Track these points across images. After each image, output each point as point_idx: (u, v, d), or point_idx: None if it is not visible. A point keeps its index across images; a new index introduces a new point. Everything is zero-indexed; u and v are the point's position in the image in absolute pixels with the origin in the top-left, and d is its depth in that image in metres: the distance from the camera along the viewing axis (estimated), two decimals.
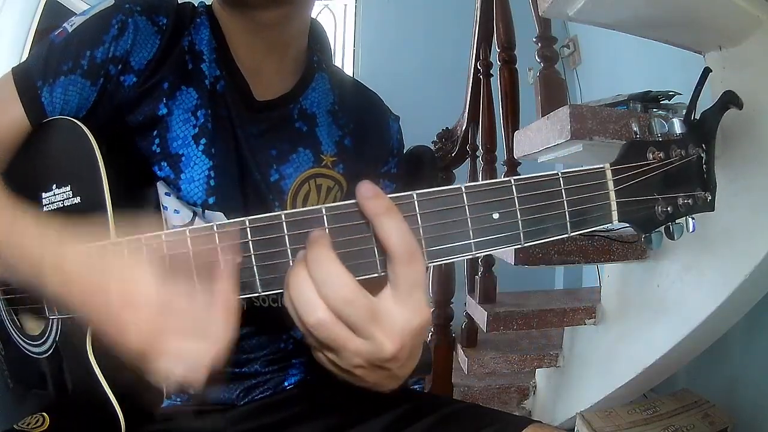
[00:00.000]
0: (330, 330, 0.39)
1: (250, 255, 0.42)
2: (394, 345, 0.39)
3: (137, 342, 0.40)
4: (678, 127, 0.47)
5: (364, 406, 0.66)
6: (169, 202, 0.63)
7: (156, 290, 0.40)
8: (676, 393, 1.50)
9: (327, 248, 0.39)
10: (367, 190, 0.39)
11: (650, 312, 1.35)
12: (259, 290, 0.43)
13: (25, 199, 0.58)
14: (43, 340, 0.60)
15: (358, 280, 0.40)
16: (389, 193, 0.74)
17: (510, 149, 1.55)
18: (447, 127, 2.12)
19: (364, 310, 0.38)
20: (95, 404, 0.54)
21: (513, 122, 1.60)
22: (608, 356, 1.50)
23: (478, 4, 1.89)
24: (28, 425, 0.59)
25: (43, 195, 0.57)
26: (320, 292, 0.38)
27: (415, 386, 0.90)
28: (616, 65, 2.49)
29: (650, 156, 0.45)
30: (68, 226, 0.47)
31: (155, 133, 0.62)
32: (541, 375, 1.84)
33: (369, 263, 0.41)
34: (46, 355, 0.60)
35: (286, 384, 0.71)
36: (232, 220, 0.43)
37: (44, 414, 0.60)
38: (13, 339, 0.64)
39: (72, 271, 0.43)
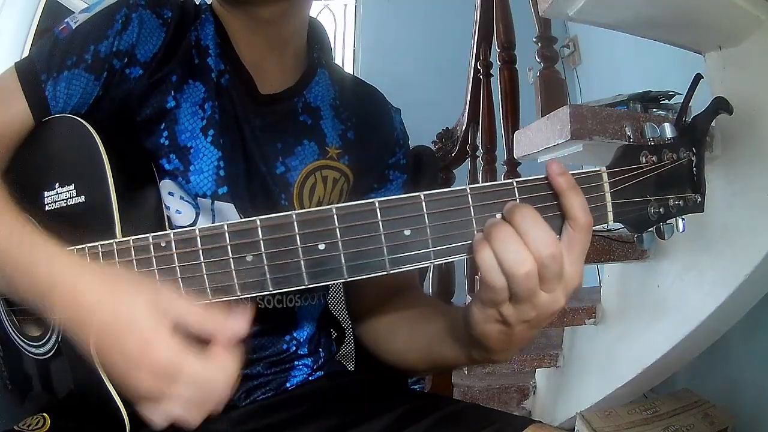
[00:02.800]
0: (531, 281, 0.43)
1: (261, 254, 0.43)
2: (564, 299, 0.45)
3: (143, 389, 0.43)
4: (669, 131, 0.49)
5: (365, 407, 0.67)
6: (171, 202, 0.63)
7: (171, 357, 0.42)
8: (676, 393, 1.50)
9: (534, 210, 0.43)
10: (557, 167, 0.44)
11: (650, 312, 1.34)
12: (270, 289, 0.43)
13: (26, 199, 0.59)
14: (44, 341, 0.60)
15: (366, 279, 0.42)
16: (401, 184, 0.76)
17: (510, 149, 1.55)
18: (447, 127, 2.12)
19: (560, 266, 0.43)
20: (98, 405, 0.54)
21: (513, 122, 1.60)
22: (608, 356, 1.49)
23: (478, 4, 1.90)
24: (28, 426, 0.59)
25: (46, 194, 0.57)
26: (530, 246, 0.42)
27: (415, 386, 0.90)
28: (616, 65, 2.49)
29: (643, 159, 0.47)
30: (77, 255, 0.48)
31: (163, 125, 0.62)
32: (541, 375, 1.84)
33: (378, 262, 0.42)
34: (48, 356, 0.60)
35: (288, 385, 0.71)
36: (241, 220, 0.44)
37: (45, 415, 0.60)
38: (12, 340, 0.64)
39: (88, 310, 0.44)
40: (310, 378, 0.73)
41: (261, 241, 0.43)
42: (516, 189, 0.44)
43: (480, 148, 1.81)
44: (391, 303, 0.69)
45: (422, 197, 0.43)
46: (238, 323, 0.43)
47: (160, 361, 0.41)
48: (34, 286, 0.46)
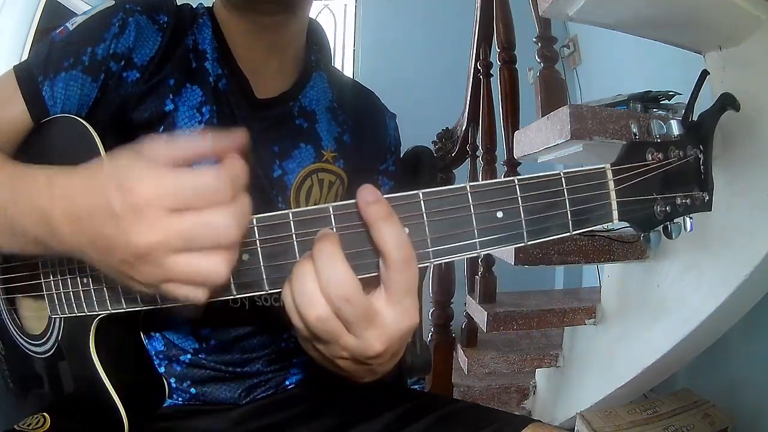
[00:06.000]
0: (327, 325, 0.40)
1: (258, 254, 0.42)
2: (382, 345, 0.41)
3: (146, 241, 0.36)
4: (676, 128, 0.47)
5: (365, 406, 0.67)
6: None
7: (158, 184, 0.36)
8: (676, 393, 1.50)
9: (335, 245, 0.39)
10: (368, 194, 0.40)
11: (650, 312, 1.35)
12: (266, 288, 0.43)
13: None
14: (44, 339, 0.60)
15: (361, 277, 0.41)
16: (388, 191, 0.76)
17: (510, 149, 1.55)
18: (447, 127, 2.12)
19: (361, 310, 0.39)
20: (98, 404, 0.55)
21: (513, 122, 1.60)
22: (608, 356, 1.50)
23: (478, 4, 1.89)
24: (29, 426, 0.59)
25: None
26: (323, 288, 0.39)
27: (415, 386, 0.90)
28: (616, 65, 2.49)
29: (649, 157, 0.46)
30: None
31: (162, 128, 0.63)
32: (541, 375, 1.85)
33: (375, 262, 0.42)
34: (48, 354, 0.60)
35: (287, 383, 0.72)
36: None
37: (45, 414, 0.60)
38: (13, 339, 0.64)
39: (79, 200, 0.39)
40: (309, 376, 0.73)
41: (257, 240, 0.42)
42: (517, 187, 0.43)
43: (480, 148, 1.81)
44: None
45: (420, 196, 0.42)
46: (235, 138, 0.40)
47: (149, 195, 0.36)
48: (36, 205, 0.42)
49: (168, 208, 0.36)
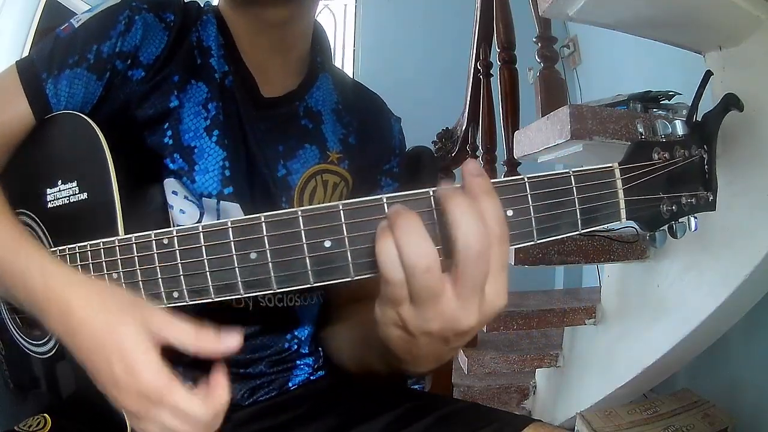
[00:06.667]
0: (434, 279, 0.37)
1: (266, 252, 0.42)
2: (477, 318, 0.39)
3: (127, 408, 0.44)
4: (680, 128, 0.48)
5: (366, 406, 0.66)
6: (175, 201, 0.63)
7: (156, 385, 0.42)
8: (676, 393, 1.51)
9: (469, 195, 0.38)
10: (474, 168, 0.39)
11: (650, 312, 1.35)
12: (274, 287, 0.42)
13: (29, 195, 0.59)
14: (45, 339, 0.60)
15: (369, 278, 0.41)
16: (392, 191, 0.76)
17: (510, 149, 1.55)
18: (447, 127, 2.12)
19: (485, 269, 0.37)
20: (99, 405, 0.54)
21: (513, 122, 1.60)
22: (608, 356, 1.50)
23: (478, 4, 1.90)
24: (29, 427, 0.59)
25: (48, 191, 0.57)
26: (458, 234, 0.36)
27: (415, 386, 0.90)
28: (616, 65, 2.49)
29: (655, 156, 0.46)
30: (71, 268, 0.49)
31: (167, 125, 0.62)
32: (541, 375, 1.84)
33: None
34: (49, 354, 0.60)
35: (290, 384, 0.72)
36: (245, 217, 0.43)
37: (45, 415, 0.60)
38: (14, 338, 0.64)
39: (78, 325, 0.45)
40: (311, 377, 0.73)
41: (265, 238, 0.42)
42: (527, 184, 0.42)
43: (480, 148, 1.81)
44: (347, 308, 0.69)
45: (431, 193, 0.41)
46: (230, 341, 0.44)
47: (144, 387, 0.42)
48: (30, 296, 0.48)
49: (159, 405, 0.43)
